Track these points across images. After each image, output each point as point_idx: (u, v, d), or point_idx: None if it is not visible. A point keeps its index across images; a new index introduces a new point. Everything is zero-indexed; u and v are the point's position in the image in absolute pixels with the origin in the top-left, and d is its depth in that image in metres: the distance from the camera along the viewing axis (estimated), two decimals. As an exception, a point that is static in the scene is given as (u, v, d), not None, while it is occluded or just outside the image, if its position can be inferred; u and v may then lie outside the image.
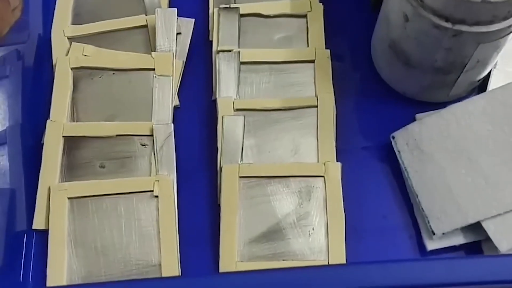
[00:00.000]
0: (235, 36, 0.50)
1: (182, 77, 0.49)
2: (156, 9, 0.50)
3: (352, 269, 0.38)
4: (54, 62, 0.50)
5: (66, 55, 0.49)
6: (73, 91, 0.48)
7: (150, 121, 0.47)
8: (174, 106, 0.48)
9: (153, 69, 0.48)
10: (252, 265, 0.42)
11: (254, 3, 0.52)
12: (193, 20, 0.51)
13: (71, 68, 0.48)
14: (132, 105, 0.48)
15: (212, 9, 0.52)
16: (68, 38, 0.50)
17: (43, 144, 0.46)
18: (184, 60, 0.50)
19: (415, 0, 0.39)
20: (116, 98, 0.48)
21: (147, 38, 0.50)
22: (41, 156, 0.46)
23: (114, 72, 0.49)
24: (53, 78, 0.49)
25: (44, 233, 0.43)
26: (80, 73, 0.49)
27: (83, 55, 0.49)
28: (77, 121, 0.47)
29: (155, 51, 0.49)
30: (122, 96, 0.48)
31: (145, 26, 0.50)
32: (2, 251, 0.42)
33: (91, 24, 0.51)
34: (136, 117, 0.47)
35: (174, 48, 0.49)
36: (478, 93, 0.47)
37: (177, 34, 0.50)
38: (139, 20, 0.51)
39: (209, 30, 0.52)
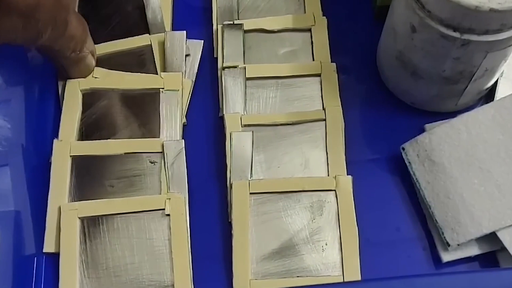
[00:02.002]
0: (240, 52, 0.50)
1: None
2: (165, 32, 0.50)
3: (371, 285, 0.38)
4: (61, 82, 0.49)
5: None
6: (82, 112, 0.48)
7: (160, 134, 0.46)
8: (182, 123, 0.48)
9: (162, 89, 0.48)
10: (266, 283, 0.41)
11: (257, 18, 0.52)
12: (202, 41, 0.51)
13: (80, 90, 0.48)
14: (142, 126, 0.47)
15: (216, 26, 0.52)
16: None
17: (50, 163, 0.46)
18: (193, 80, 0.50)
19: (423, 10, 0.39)
20: (125, 119, 0.48)
21: (151, 57, 0.50)
22: (48, 177, 0.45)
23: (123, 91, 0.48)
24: (58, 95, 0.48)
25: (55, 256, 0.43)
26: (89, 94, 0.48)
27: (93, 77, 0.49)
28: (85, 137, 0.47)
29: (162, 71, 0.49)
30: (131, 117, 0.48)
31: (149, 45, 0.50)
32: (11, 277, 0.41)
33: (95, 45, 0.50)
34: (147, 131, 0.47)
35: (183, 70, 0.49)
36: (486, 102, 0.48)
37: (186, 55, 0.50)
38: (143, 40, 0.50)
39: (213, 47, 0.52)
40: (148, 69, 0.50)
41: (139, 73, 0.49)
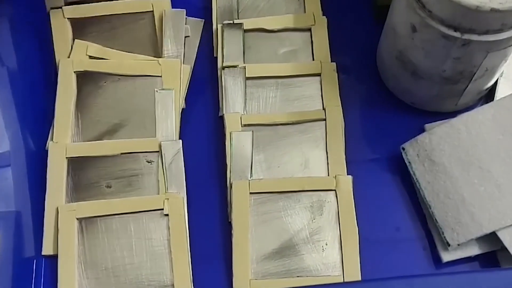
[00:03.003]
0: (239, 51, 0.50)
1: (188, 93, 0.49)
2: (164, 10, 0.49)
3: (371, 285, 0.38)
4: (57, 53, 0.49)
5: (69, 49, 0.48)
6: (77, 96, 0.47)
7: (156, 132, 0.46)
8: (182, 109, 0.47)
9: (160, 76, 0.48)
10: (266, 283, 0.41)
11: (257, 18, 0.52)
12: (203, 20, 0.50)
13: (74, 72, 0.48)
14: (138, 113, 0.47)
15: (216, 26, 0.52)
16: (68, 19, 0.49)
17: (47, 151, 0.45)
18: (192, 65, 0.49)
19: (423, 10, 0.39)
20: (121, 105, 0.47)
21: (152, 26, 0.49)
22: (45, 178, 0.45)
23: (119, 77, 0.48)
24: (51, 72, 0.48)
25: (54, 258, 0.43)
26: (84, 77, 0.48)
27: (86, 55, 0.48)
28: (81, 129, 0.46)
29: (159, 56, 0.48)
30: (128, 103, 0.47)
31: (151, 11, 0.49)
32: (10, 279, 0.41)
33: (93, 4, 0.49)
34: (143, 126, 0.47)
35: (182, 53, 0.49)
36: (486, 102, 0.48)
37: (186, 37, 0.49)
38: (144, 5, 0.50)
39: (213, 47, 0.51)
40: (148, 39, 0.49)
41: (136, 54, 0.48)
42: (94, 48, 0.48)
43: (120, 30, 0.49)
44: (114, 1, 0.50)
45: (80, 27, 0.49)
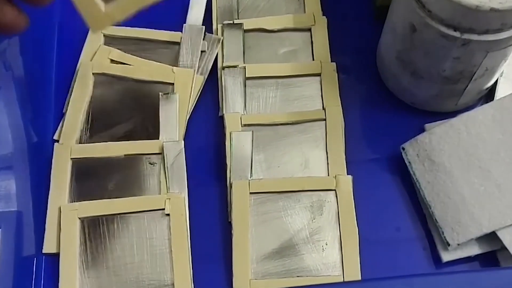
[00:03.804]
0: (240, 51, 0.50)
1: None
2: (184, 25, 0.50)
3: (371, 285, 0.38)
4: (82, 58, 0.50)
5: (94, 53, 0.50)
6: (92, 95, 0.48)
7: (160, 135, 0.46)
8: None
9: (172, 84, 0.48)
10: (266, 283, 0.41)
11: (257, 18, 0.52)
12: (221, 38, 0.50)
13: (93, 73, 0.49)
14: (148, 117, 0.47)
15: (216, 25, 0.52)
16: (104, 35, 0.51)
17: (55, 140, 0.46)
18: (206, 77, 0.49)
19: (423, 10, 0.39)
20: (132, 108, 0.48)
21: (177, 55, 0.50)
22: (48, 178, 0.45)
23: (134, 82, 0.49)
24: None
25: (54, 257, 0.43)
26: (101, 78, 0.49)
27: (108, 58, 0.49)
28: (90, 127, 0.47)
29: (175, 64, 0.49)
30: (139, 107, 0.48)
31: (179, 43, 0.50)
32: (10, 277, 0.41)
33: (129, 28, 0.51)
34: (151, 130, 0.47)
35: (197, 65, 0.49)
36: (486, 102, 0.48)
37: (202, 51, 0.50)
38: (175, 36, 0.51)
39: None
40: (171, 63, 0.50)
41: (153, 62, 0.49)
42: (116, 53, 0.50)
43: (146, 54, 0.50)
44: (149, 29, 0.51)
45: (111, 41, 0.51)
